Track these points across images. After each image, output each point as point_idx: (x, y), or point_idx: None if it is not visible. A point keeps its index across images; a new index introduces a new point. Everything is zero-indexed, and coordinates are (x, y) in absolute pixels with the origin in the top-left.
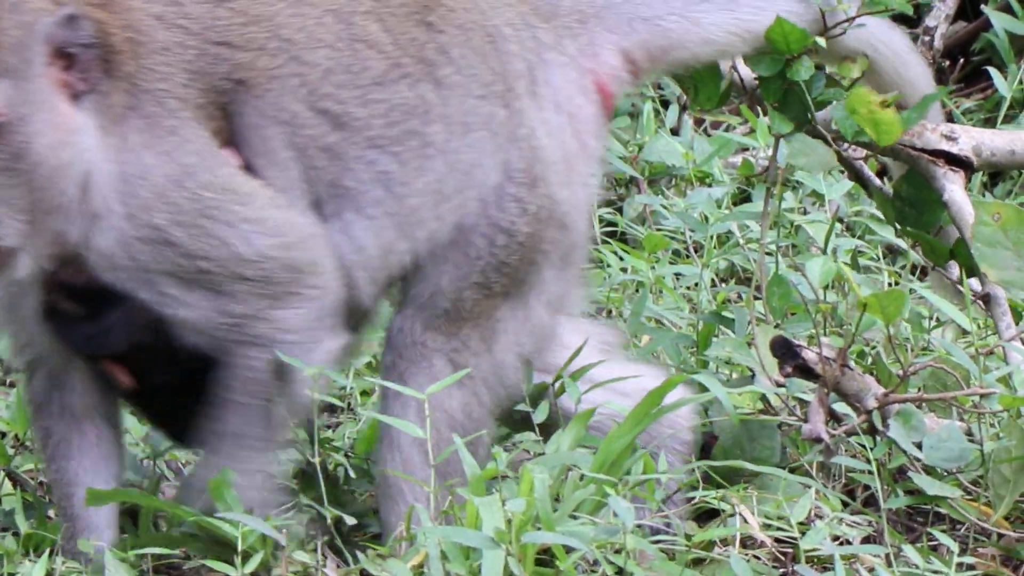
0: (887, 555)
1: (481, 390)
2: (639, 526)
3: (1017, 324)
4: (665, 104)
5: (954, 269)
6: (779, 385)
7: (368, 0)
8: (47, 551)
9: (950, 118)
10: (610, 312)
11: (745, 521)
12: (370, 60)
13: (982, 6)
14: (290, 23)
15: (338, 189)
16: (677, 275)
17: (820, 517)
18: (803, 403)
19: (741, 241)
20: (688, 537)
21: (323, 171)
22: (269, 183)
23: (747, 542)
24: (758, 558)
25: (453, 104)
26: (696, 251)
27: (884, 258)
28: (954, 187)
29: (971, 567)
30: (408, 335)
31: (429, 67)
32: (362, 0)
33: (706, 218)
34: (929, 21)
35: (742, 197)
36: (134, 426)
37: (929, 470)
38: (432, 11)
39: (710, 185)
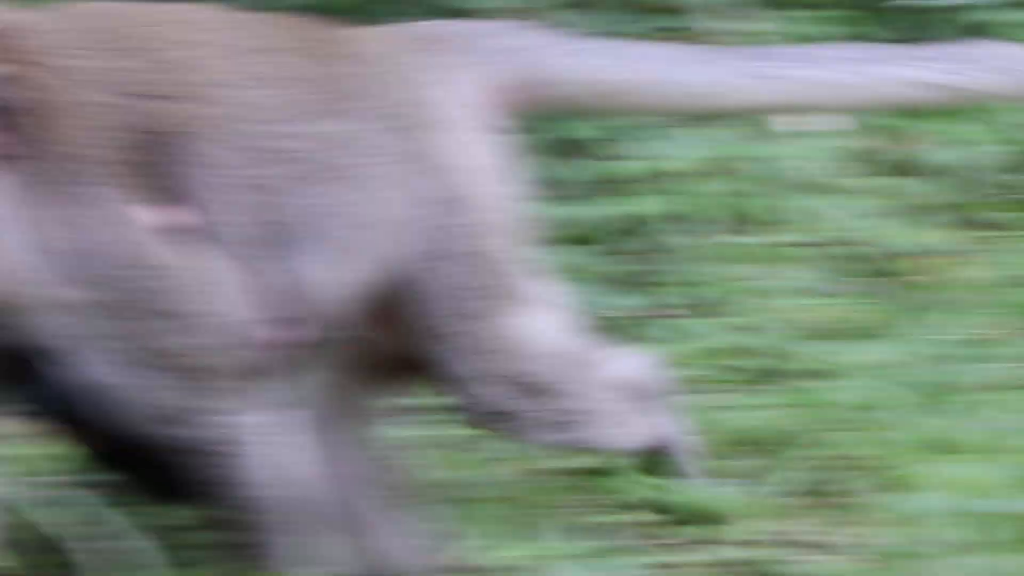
0: None
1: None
2: None
3: None
4: None
5: None
6: None
7: (260, 37)
8: None
9: None
10: None
11: None
12: (277, 98)
13: None
14: (199, 67)
15: (282, 227)
16: None
17: None
18: None
19: None
20: None
21: (264, 210)
22: (212, 234)
23: None
24: None
25: (360, 138)
26: None
27: None
28: None
29: None
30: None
31: (333, 100)
32: (255, 37)
33: None
34: None
35: None
36: None
37: None
38: (327, 43)
39: None
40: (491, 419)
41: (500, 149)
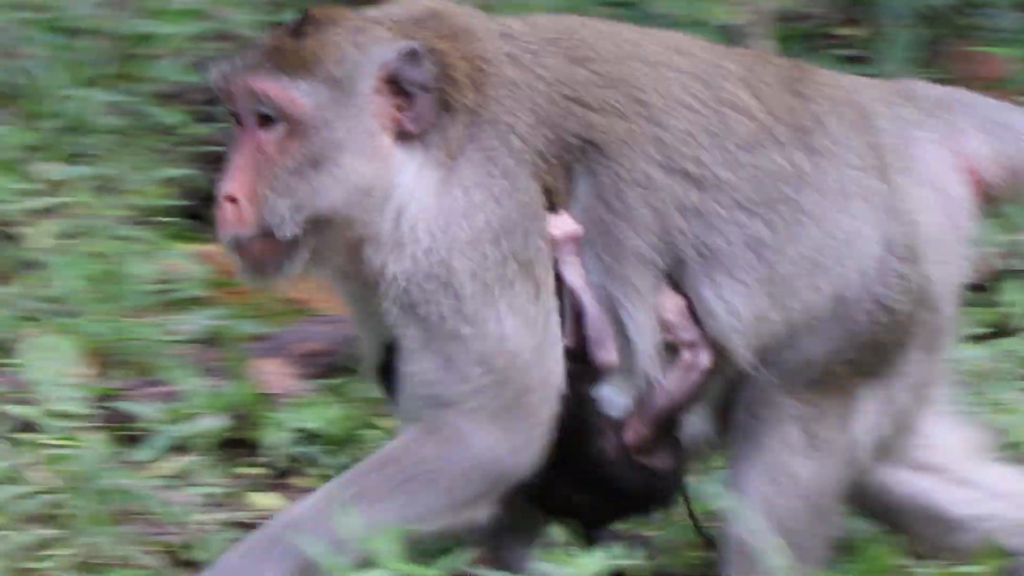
0: None
1: (833, 465)
2: None
3: None
4: None
5: None
6: None
7: (738, 68)
8: None
9: None
10: None
11: None
12: (738, 124)
13: None
14: (648, 86)
15: (706, 250)
16: None
17: None
18: None
19: None
20: None
21: (686, 232)
22: (628, 247)
23: None
24: None
25: (829, 173)
26: None
27: None
28: None
29: None
30: (766, 396)
31: (803, 134)
32: (731, 69)
33: None
34: None
35: None
36: None
37: None
38: (803, 82)
39: None
40: None
41: (964, 219)
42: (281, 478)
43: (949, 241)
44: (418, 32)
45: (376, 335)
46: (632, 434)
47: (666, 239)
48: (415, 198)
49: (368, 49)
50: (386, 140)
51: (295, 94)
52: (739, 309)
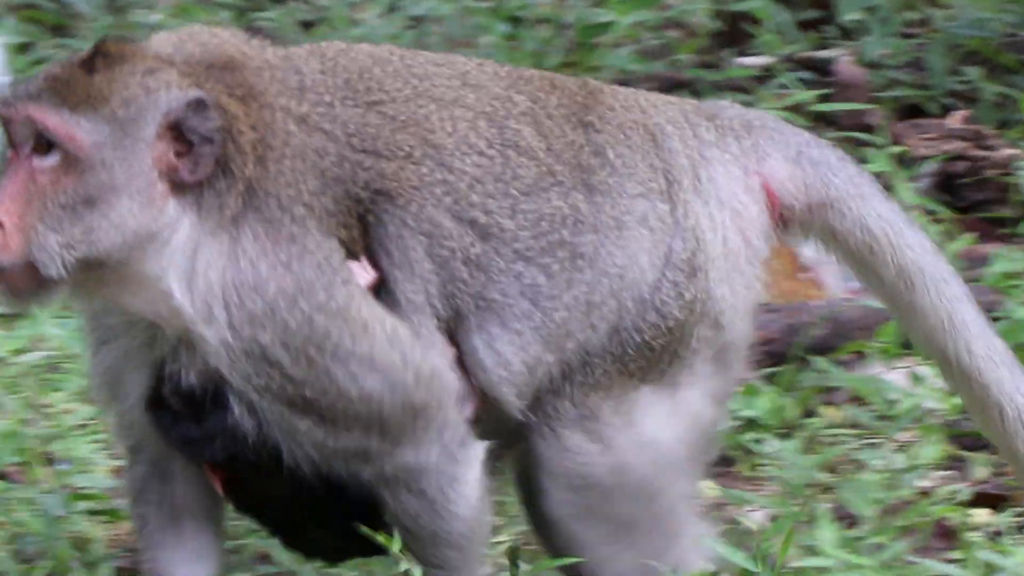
0: None
1: (628, 464)
2: None
3: None
4: None
5: None
6: None
7: (524, 101)
8: None
9: None
10: None
11: None
12: (520, 167)
13: None
14: (439, 127)
15: (483, 302)
16: None
17: None
18: None
19: None
20: None
21: (467, 283)
22: (403, 298)
23: None
24: None
25: (606, 210)
26: None
27: None
28: None
29: None
30: (537, 406)
31: (583, 173)
32: (518, 101)
33: None
34: None
35: None
36: (239, 528)
37: None
38: (590, 109)
39: None
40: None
41: (756, 239)
42: (723, 465)
43: (737, 260)
44: (210, 83)
45: (147, 368)
46: None
47: (446, 290)
48: (200, 267)
49: (155, 93)
50: (162, 187)
51: (76, 130)
52: (510, 359)
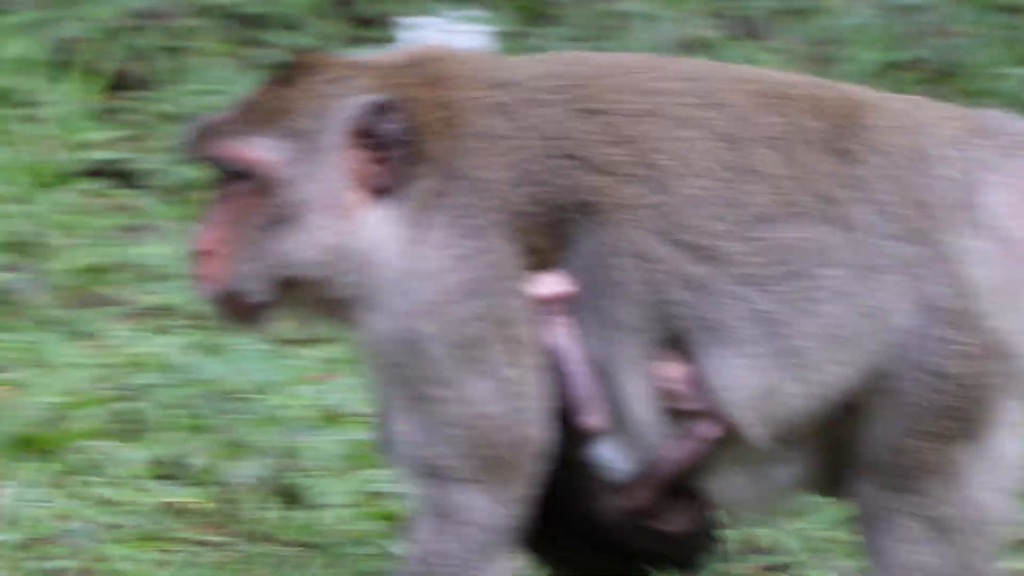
0: None
1: (964, 539)
2: None
3: None
4: None
5: None
6: None
7: (779, 124)
8: None
9: None
10: None
11: None
12: (757, 194)
13: None
14: (665, 147)
15: (707, 323)
16: None
17: None
18: None
19: None
20: None
21: (686, 304)
22: (609, 316)
23: None
24: None
25: (859, 246)
26: None
27: None
28: None
29: None
30: (870, 500)
31: (834, 206)
32: (770, 124)
33: None
34: None
35: None
36: None
37: None
38: (852, 134)
39: None
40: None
41: None
42: None
43: (1019, 289)
44: (397, 79)
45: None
46: (630, 498)
47: (661, 311)
48: (384, 258)
49: (337, 101)
50: (355, 197)
51: (260, 152)
52: (742, 382)
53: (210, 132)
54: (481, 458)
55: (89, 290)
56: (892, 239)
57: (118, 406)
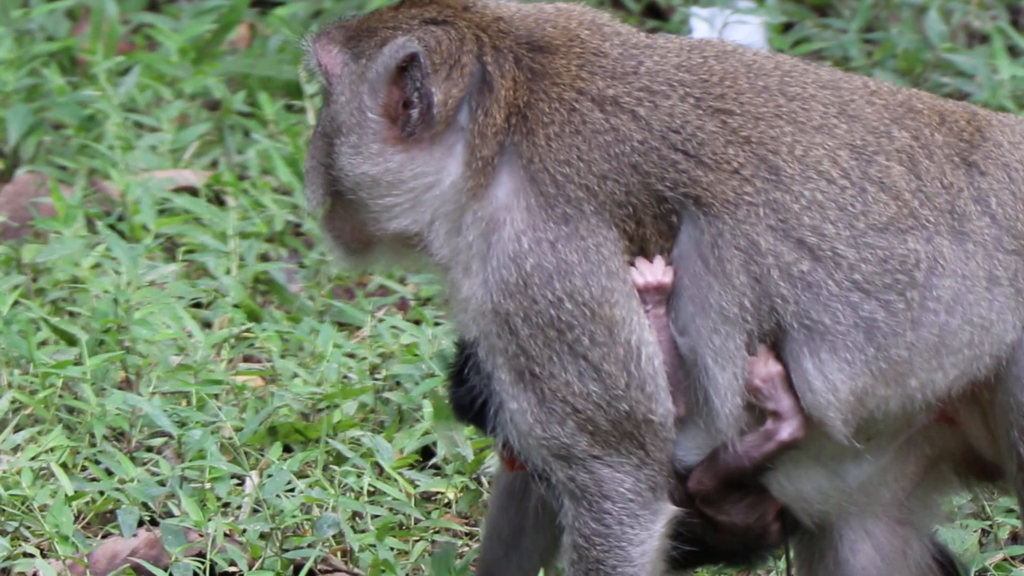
0: None
1: None
2: None
3: None
4: None
5: None
6: None
7: (906, 138)
8: None
9: None
10: None
11: None
12: (877, 204)
13: None
14: (789, 152)
15: (809, 322)
16: None
17: None
18: None
19: None
20: None
21: (789, 300)
22: (714, 307)
23: None
24: None
25: (976, 261)
26: None
27: None
28: None
29: None
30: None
31: (956, 220)
32: (897, 137)
33: None
34: None
35: None
36: None
37: None
38: (977, 147)
39: None
40: None
41: None
42: None
43: None
44: (492, 47)
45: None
46: (694, 484)
47: (764, 305)
48: (463, 228)
49: (395, 38)
50: (389, 133)
51: (328, 59)
52: (838, 386)
53: (318, 36)
54: (590, 434)
55: (350, 280)
56: (1008, 254)
57: (371, 397)
